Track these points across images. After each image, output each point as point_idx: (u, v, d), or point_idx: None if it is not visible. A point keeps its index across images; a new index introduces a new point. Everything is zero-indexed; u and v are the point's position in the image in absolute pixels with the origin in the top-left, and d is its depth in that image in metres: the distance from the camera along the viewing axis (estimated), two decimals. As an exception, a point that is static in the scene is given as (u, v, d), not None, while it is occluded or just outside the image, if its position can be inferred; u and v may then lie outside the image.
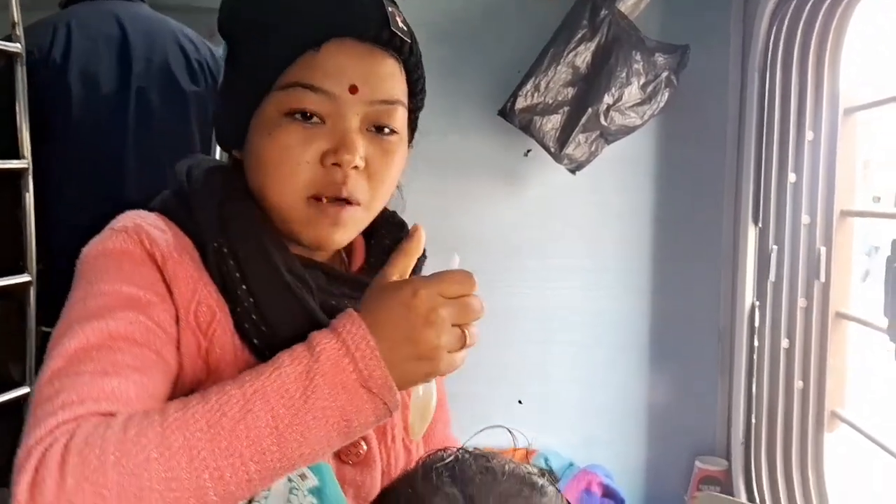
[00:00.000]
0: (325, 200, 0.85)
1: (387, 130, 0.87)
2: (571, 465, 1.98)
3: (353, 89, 0.83)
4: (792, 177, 1.77)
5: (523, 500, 0.66)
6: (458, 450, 0.74)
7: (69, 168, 1.78)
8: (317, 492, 0.72)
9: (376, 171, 0.86)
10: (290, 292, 0.85)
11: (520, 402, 2.05)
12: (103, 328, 0.76)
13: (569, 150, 1.92)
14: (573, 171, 1.97)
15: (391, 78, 0.87)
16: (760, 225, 1.82)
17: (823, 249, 1.74)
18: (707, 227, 2.00)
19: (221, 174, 0.91)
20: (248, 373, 0.71)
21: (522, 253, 2.06)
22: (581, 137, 1.92)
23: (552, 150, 1.93)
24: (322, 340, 0.72)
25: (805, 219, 1.75)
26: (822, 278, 1.74)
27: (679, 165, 2.02)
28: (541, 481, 0.71)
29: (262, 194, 0.87)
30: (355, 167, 0.84)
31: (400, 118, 0.88)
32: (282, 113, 0.83)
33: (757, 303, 1.82)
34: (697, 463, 1.89)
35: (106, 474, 0.63)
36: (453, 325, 0.73)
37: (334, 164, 0.83)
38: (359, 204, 0.86)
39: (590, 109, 1.88)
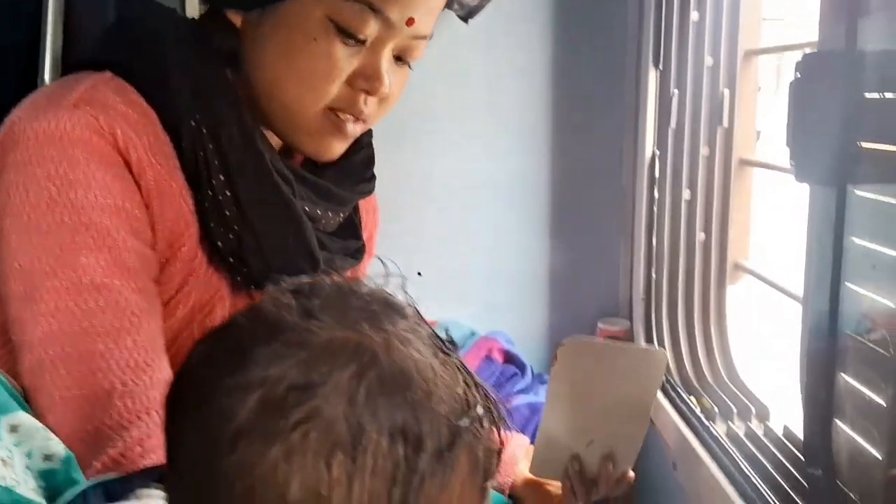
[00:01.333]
0: (341, 115, 0.82)
1: (408, 62, 0.85)
2: (473, 333, 1.89)
3: (411, 22, 0.80)
4: (694, 15, 1.65)
5: (370, 315, 0.53)
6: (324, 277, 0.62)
7: None
8: None
9: (389, 98, 0.84)
10: (278, 190, 0.79)
11: (419, 273, 1.94)
12: (110, 261, 0.71)
13: (459, -6, 1.76)
14: (465, 19, 1.80)
15: (437, 11, 0.85)
16: (661, 68, 1.71)
17: (727, 92, 1.63)
18: (609, 77, 1.88)
19: (192, 31, 0.82)
20: None
21: (420, 115, 1.91)
22: (472, -20, 1.76)
23: (441, -6, 1.77)
24: None
25: (708, 60, 1.64)
26: (726, 123, 1.64)
27: (578, 11, 1.88)
28: (404, 306, 0.58)
29: (274, 90, 0.80)
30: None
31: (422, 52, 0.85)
32: (331, 20, 0.76)
33: (657, 152, 1.72)
34: (599, 324, 1.82)
35: None
36: None
37: (363, 90, 0.80)
38: (365, 121, 0.84)
39: (479, -54, 1.72)
